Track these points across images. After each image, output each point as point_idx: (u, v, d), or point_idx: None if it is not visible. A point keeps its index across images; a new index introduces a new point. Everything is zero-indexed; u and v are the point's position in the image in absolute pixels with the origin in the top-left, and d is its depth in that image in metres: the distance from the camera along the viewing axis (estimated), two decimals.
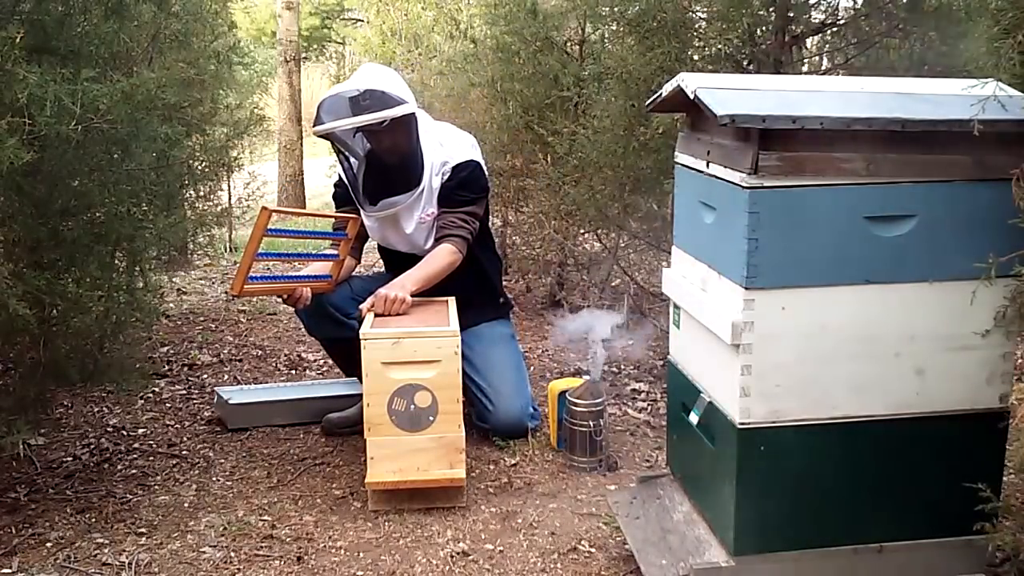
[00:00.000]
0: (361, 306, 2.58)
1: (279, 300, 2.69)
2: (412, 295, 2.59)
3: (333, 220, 2.85)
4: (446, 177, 2.72)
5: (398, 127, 2.62)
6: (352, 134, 2.74)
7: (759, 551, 1.76)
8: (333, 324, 2.79)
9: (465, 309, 2.62)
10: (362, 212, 2.79)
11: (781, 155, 1.61)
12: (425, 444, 2.41)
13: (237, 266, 2.48)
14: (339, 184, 2.89)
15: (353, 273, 2.94)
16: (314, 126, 2.61)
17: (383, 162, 2.74)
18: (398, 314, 2.55)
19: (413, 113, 2.62)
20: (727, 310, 1.71)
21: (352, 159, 2.82)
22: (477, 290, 2.83)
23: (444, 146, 2.74)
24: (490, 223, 3.02)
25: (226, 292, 4.93)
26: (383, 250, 2.97)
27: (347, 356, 2.91)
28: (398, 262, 2.85)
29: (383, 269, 3.09)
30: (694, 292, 1.90)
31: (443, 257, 2.69)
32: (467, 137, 2.85)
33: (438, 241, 2.73)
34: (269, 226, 2.43)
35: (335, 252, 2.77)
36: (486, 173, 2.82)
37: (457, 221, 2.73)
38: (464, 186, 2.73)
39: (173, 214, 3.05)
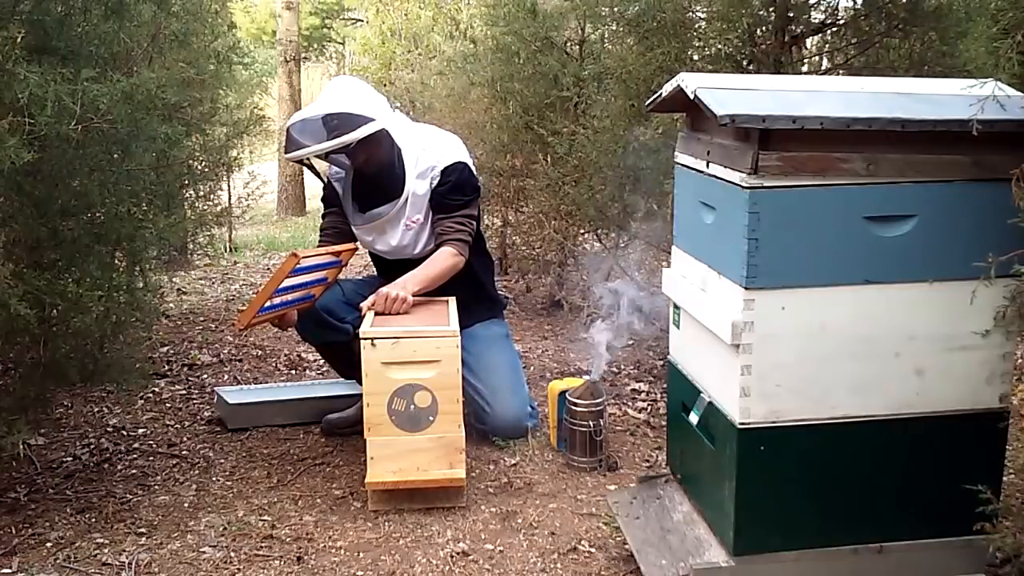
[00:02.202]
0: (362, 304, 2.58)
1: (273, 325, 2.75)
2: (413, 295, 2.59)
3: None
4: (435, 182, 2.71)
5: (369, 143, 2.62)
6: (325, 155, 2.74)
7: (759, 551, 1.76)
8: (325, 328, 2.79)
9: (458, 311, 2.61)
10: (350, 221, 2.81)
11: (781, 155, 1.61)
12: (425, 444, 2.41)
13: (249, 302, 2.53)
14: (328, 186, 2.89)
15: (344, 277, 2.94)
16: (285, 152, 2.63)
17: (361, 173, 2.75)
18: (398, 313, 2.55)
19: (382, 128, 2.61)
20: (727, 310, 1.71)
21: (339, 170, 2.83)
22: (469, 291, 2.82)
23: (428, 150, 2.72)
24: (490, 223, 3.03)
25: (226, 293, 4.93)
26: (373, 255, 2.97)
27: (342, 359, 2.92)
28: (388, 267, 2.86)
29: (375, 272, 3.10)
30: (694, 292, 1.90)
31: (445, 259, 2.69)
32: (452, 138, 2.83)
33: (438, 247, 2.72)
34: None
35: (324, 276, 2.77)
36: (475, 172, 2.82)
37: (455, 226, 2.72)
38: (456, 189, 2.72)
39: (173, 214, 3.05)
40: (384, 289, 2.57)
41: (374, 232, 2.79)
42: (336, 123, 2.56)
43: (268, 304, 2.54)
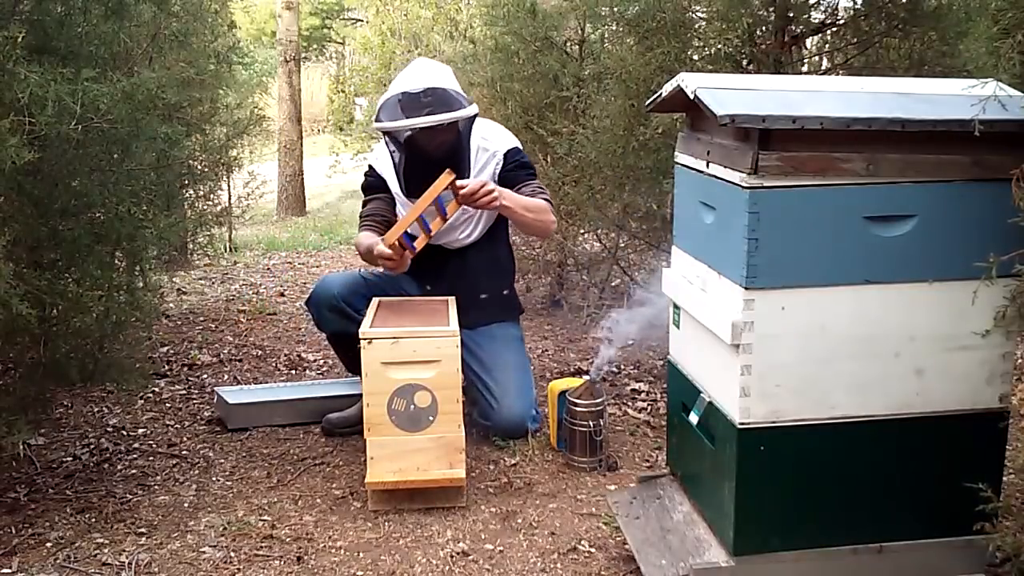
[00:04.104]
0: (461, 182, 2.56)
1: (382, 266, 2.69)
2: (503, 206, 2.62)
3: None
4: (500, 165, 2.78)
5: (451, 127, 2.62)
6: (389, 135, 2.71)
7: (759, 551, 1.76)
8: (340, 317, 2.79)
9: (480, 308, 2.62)
10: (403, 202, 2.79)
11: (781, 155, 1.61)
12: (425, 444, 2.41)
13: (399, 220, 2.51)
14: (371, 173, 2.88)
15: (361, 270, 2.94)
16: (388, 121, 2.57)
17: (427, 156, 2.70)
18: (478, 205, 2.57)
19: (476, 115, 2.66)
20: (727, 310, 1.71)
21: (385, 155, 2.81)
22: (495, 290, 2.85)
23: (487, 139, 2.79)
24: None
25: (226, 293, 4.92)
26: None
27: (352, 352, 2.91)
28: (424, 252, 2.83)
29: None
30: (694, 292, 1.90)
31: (541, 204, 2.75)
32: (503, 128, 2.92)
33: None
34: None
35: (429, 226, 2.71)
36: None
37: (538, 189, 2.80)
38: (523, 167, 2.82)
39: (173, 214, 3.05)
40: (482, 180, 2.59)
41: (427, 215, 2.78)
42: (444, 99, 2.57)
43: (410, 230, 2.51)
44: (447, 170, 2.48)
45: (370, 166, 2.88)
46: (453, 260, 2.87)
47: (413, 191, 2.70)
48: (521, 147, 2.87)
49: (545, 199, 2.80)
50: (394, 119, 2.58)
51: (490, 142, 2.79)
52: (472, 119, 2.65)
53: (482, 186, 2.57)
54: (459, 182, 2.56)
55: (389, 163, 2.80)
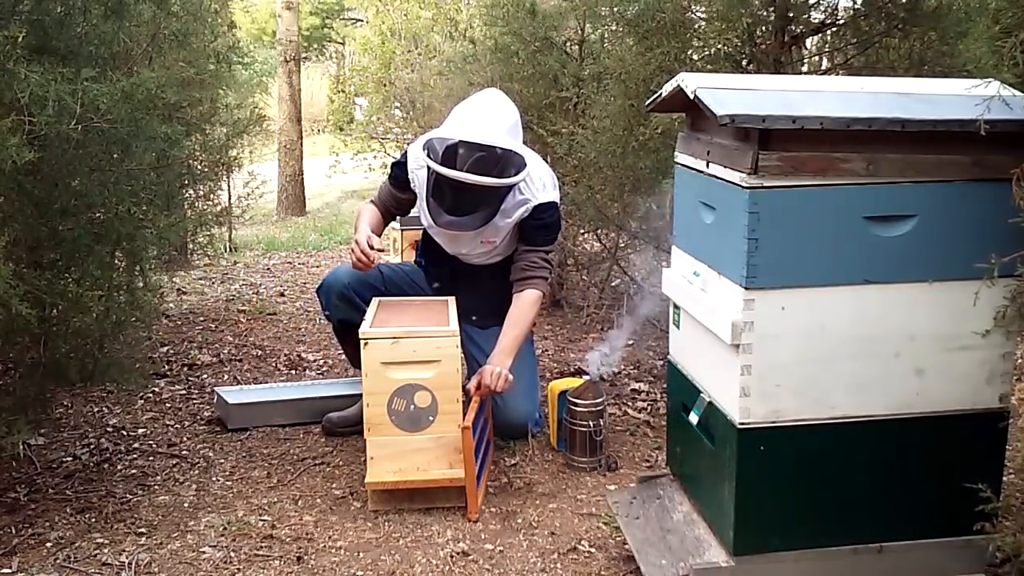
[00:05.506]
0: (468, 385, 2.56)
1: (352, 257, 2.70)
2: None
3: None
4: (527, 214, 2.70)
5: (497, 188, 2.59)
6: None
7: (759, 551, 1.76)
8: (348, 306, 2.79)
9: (494, 312, 2.61)
10: (427, 215, 2.76)
11: (781, 155, 1.61)
12: (425, 444, 2.41)
13: (468, 487, 2.38)
14: (402, 167, 2.83)
15: (382, 262, 2.90)
16: (448, 166, 2.51)
17: (461, 198, 2.64)
18: (495, 391, 2.57)
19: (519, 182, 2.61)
20: (727, 310, 1.71)
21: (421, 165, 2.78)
22: (511, 296, 2.83)
23: (526, 183, 2.68)
24: None
25: (226, 293, 4.92)
26: (428, 236, 2.93)
27: (355, 343, 2.90)
28: (440, 252, 2.86)
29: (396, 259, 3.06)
30: (694, 292, 1.90)
31: (530, 307, 2.71)
32: (549, 175, 2.81)
33: (522, 282, 2.72)
34: None
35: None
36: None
37: (539, 261, 2.74)
38: (546, 228, 2.74)
39: (173, 214, 3.05)
40: (486, 368, 2.57)
41: (447, 235, 2.78)
42: (495, 163, 2.51)
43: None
44: (464, 427, 2.37)
45: (404, 162, 2.83)
46: (473, 270, 2.86)
47: (436, 213, 2.68)
48: (557, 202, 2.76)
49: (539, 275, 2.73)
50: (444, 163, 2.53)
51: (529, 190, 2.70)
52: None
53: (490, 375, 2.55)
54: (479, 391, 2.55)
55: (424, 175, 2.75)
